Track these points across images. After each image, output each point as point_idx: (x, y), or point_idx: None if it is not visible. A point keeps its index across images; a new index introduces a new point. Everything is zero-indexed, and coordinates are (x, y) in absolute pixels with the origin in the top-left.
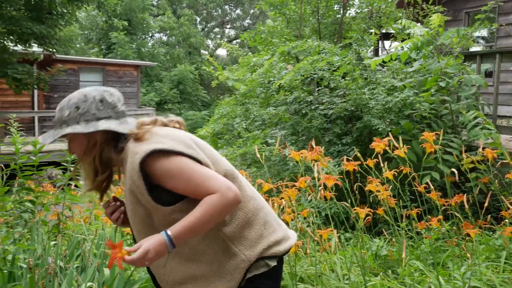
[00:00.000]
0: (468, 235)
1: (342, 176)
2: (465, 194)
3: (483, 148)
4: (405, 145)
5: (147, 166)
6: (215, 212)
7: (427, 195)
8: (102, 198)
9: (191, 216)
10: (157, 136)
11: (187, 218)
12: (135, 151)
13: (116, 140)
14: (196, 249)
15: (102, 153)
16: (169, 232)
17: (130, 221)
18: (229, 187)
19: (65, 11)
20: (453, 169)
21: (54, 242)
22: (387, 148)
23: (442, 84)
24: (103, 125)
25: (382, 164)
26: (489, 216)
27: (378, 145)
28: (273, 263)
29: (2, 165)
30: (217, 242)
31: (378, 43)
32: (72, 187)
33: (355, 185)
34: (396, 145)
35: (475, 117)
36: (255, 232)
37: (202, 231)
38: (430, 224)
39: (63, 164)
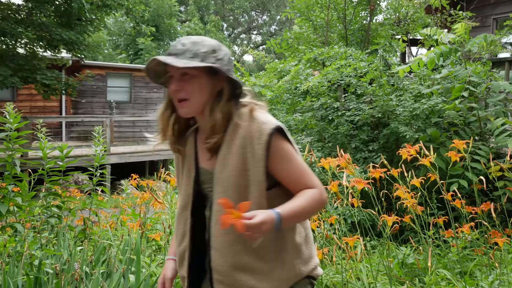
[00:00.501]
0: (496, 243)
1: (369, 182)
2: (493, 202)
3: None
4: (434, 152)
5: (273, 140)
6: (314, 205)
7: (456, 203)
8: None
9: (297, 202)
10: (271, 117)
11: (295, 203)
12: (263, 121)
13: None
14: (267, 245)
15: (228, 106)
16: (279, 210)
17: (217, 190)
18: (324, 188)
19: (94, 17)
20: (481, 177)
21: (80, 247)
22: (417, 155)
23: (465, 94)
24: (236, 78)
25: (406, 173)
26: None
27: (405, 152)
28: (314, 283)
29: (30, 170)
30: (285, 248)
31: (405, 49)
32: (99, 192)
33: (382, 192)
34: (427, 152)
35: (503, 124)
36: (309, 250)
37: (302, 219)
38: (458, 232)
39: (90, 169)
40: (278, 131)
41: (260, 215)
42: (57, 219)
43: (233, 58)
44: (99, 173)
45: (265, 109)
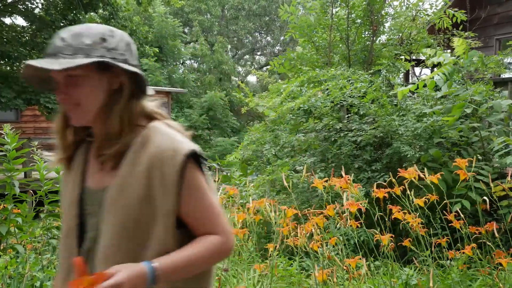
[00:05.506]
0: (500, 264)
1: (368, 203)
2: (496, 222)
3: None
4: (434, 173)
5: (188, 165)
6: (211, 256)
7: (455, 223)
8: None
9: (186, 252)
10: (187, 138)
11: (182, 253)
12: (179, 139)
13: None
14: None
15: (131, 106)
16: (154, 264)
17: (109, 220)
18: (232, 233)
19: None
20: (485, 198)
21: None
22: (413, 178)
23: (468, 110)
24: (135, 70)
25: (409, 192)
26: None
27: (404, 174)
28: None
29: (31, 191)
30: None
31: (408, 69)
32: None
33: (386, 212)
34: (422, 175)
35: (504, 142)
36: None
37: (191, 273)
38: (463, 252)
39: None
40: (195, 157)
41: (119, 275)
42: (59, 240)
43: (236, 78)
44: None
45: (178, 127)
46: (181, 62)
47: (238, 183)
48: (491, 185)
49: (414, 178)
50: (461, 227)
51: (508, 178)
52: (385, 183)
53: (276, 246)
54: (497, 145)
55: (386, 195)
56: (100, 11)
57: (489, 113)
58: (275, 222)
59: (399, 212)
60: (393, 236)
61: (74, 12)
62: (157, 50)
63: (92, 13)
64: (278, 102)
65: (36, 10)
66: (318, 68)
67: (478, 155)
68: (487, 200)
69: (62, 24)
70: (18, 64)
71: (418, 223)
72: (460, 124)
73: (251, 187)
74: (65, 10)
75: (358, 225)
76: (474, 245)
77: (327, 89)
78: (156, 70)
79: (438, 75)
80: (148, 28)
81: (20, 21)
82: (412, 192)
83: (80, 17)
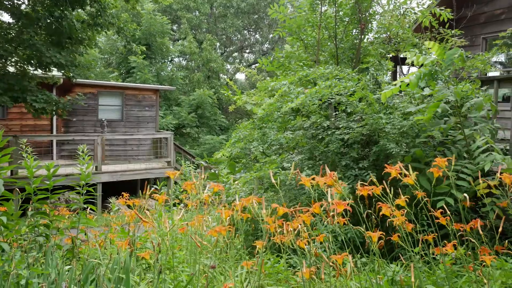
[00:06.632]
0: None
1: (354, 200)
2: (482, 219)
3: (501, 173)
4: (417, 172)
5: None
6: None
7: (441, 220)
8: None
9: None
10: None
11: None
12: None
13: None
14: None
15: None
16: None
17: None
18: None
19: (85, 36)
20: (465, 194)
21: (69, 266)
22: (398, 175)
23: (439, 110)
24: None
25: (389, 190)
26: (506, 241)
27: (391, 170)
28: None
29: (18, 189)
30: None
31: (396, 68)
32: (88, 211)
33: (371, 209)
34: (406, 172)
35: (487, 143)
36: None
37: None
38: (447, 249)
39: (77, 188)
40: None
41: None
42: (45, 238)
43: (225, 76)
44: (86, 192)
45: None
46: (170, 59)
47: (226, 181)
48: (472, 184)
49: (400, 174)
50: (447, 223)
51: (498, 175)
52: (374, 181)
53: (263, 244)
54: (481, 145)
55: (371, 193)
56: (88, 8)
57: (472, 111)
58: (263, 220)
59: (387, 209)
60: (383, 233)
61: (61, 9)
62: (144, 48)
63: (79, 10)
64: (272, 103)
65: (23, 7)
66: (306, 66)
67: (463, 153)
68: (467, 197)
69: (48, 21)
70: (4, 61)
71: (405, 220)
72: (444, 124)
73: (237, 184)
74: (51, 7)
75: (346, 222)
76: (455, 242)
77: (315, 85)
78: (144, 68)
79: (416, 75)
80: (136, 25)
81: (6, 17)
82: (396, 191)
83: (67, 14)
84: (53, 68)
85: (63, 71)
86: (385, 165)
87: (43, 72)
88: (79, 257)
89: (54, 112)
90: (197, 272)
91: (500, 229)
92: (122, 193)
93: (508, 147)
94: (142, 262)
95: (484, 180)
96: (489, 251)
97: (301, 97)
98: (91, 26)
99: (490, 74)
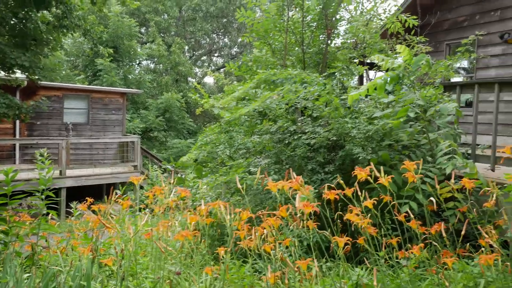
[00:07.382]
0: (446, 263)
1: (320, 204)
2: (444, 223)
3: (461, 177)
4: (386, 175)
5: None
6: None
7: (407, 224)
8: None
9: None
10: None
11: None
12: None
13: None
14: None
15: None
16: None
17: None
18: None
19: (50, 38)
20: (432, 198)
21: (28, 274)
22: (368, 177)
23: (411, 114)
24: None
25: (360, 193)
26: (467, 244)
27: (360, 173)
28: None
29: None
30: None
31: (363, 72)
32: (49, 216)
33: (336, 213)
34: (378, 174)
35: (450, 146)
36: None
37: None
38: (411, 253)
39: (35, 193)
40: None
41: None
42: (3, 245)
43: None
44: (46, 197)
45: None
46: (137, 62)
47: (192, 185)
48: (437, 187)
49: (370, 176)
50: (410, 227)
51: (452, 180)
52: (341, 183)
53: (228, 249)
54: (445, 148)
55: (337, 196)
56: (53, 9)
57: (437, 116)
58: (230, 225)
59: (352, 213)
60: (350, 239)
61: (26, 10)
62: (111, 51)
63: (44, 12)
64: (234, 104)
65: None
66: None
67: (427, 157)
68: (434, 201)
69: (12, 22)
70: None
71: (368, 224)
72: (409, 128)
73: (203, 189)
74: (16, 8)
75: (314, 226)
76: (422, 245)
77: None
78: (111, 71)
79: (383, 79)
80: (104, 28)
81: None
82: (362, 194)
83: (32, 15)
84: (17, 70)
85: (27, 73)
86: (356, 167)
87: (6, 74)
88: (39, 265)
89: (16, 117)
90: (162, 278)
91: (462, 232)
92: (86, 198)
93: (470, 151)
94: (105, 269)
95: (448, 183)
96: (451, 254)
97: (266, 94)
98: (56, 28)
99: (453, 79)
